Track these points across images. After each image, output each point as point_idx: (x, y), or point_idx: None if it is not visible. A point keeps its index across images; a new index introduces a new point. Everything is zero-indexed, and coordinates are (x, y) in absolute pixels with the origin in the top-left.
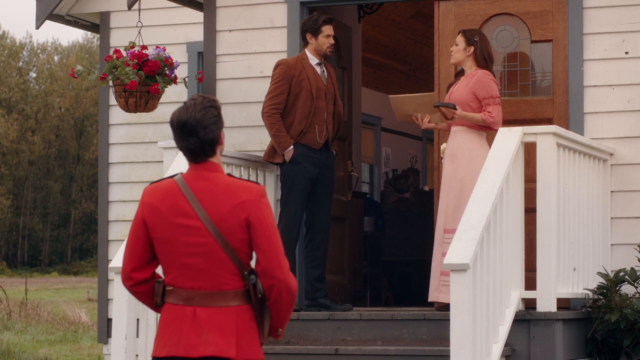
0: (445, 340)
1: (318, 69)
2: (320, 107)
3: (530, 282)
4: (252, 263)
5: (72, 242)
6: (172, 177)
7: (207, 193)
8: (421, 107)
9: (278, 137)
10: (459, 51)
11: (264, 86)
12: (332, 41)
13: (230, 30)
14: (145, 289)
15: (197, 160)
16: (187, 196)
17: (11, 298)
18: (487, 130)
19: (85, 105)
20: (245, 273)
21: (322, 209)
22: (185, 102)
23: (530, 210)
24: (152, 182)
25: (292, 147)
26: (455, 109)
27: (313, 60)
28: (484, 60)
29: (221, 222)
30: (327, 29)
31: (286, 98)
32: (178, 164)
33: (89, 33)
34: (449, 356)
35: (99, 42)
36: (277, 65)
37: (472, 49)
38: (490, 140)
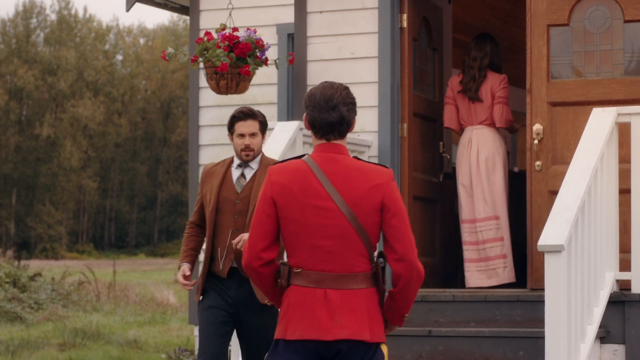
0: (539, 321)
1: (236, 174)
2: (224, 224)
3: (624, 264)
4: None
5: (158, 224)
6: (298, 157)
7: (340, 175)
8: None
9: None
10: None
11: (355, 68)
12: (246, 142)
13: (320, 12)
14: (270, 271)
15: (329, 137)
16: (320, 177)
17: (99, 280)
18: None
19: (171, 88)
20: (375, 255)
21: None
22: (322, 83)
23: (624, 191)
24: (276, 162)
25: (184, 264)
26: None
27: (235, 162)
28: None
29: (356, 205)
30: (240, 127)
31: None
32: (272, 145)
33: (175, 15)
34: (543, 338)
35: (184, 24)
36: None
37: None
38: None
